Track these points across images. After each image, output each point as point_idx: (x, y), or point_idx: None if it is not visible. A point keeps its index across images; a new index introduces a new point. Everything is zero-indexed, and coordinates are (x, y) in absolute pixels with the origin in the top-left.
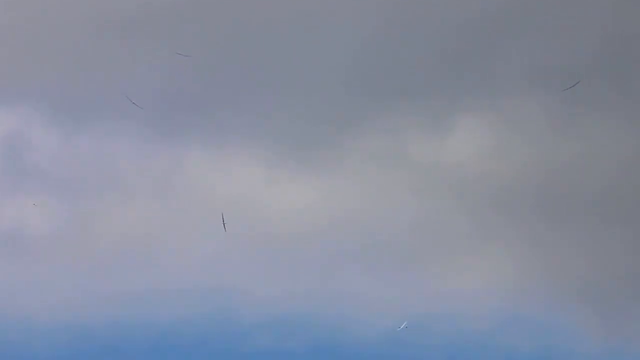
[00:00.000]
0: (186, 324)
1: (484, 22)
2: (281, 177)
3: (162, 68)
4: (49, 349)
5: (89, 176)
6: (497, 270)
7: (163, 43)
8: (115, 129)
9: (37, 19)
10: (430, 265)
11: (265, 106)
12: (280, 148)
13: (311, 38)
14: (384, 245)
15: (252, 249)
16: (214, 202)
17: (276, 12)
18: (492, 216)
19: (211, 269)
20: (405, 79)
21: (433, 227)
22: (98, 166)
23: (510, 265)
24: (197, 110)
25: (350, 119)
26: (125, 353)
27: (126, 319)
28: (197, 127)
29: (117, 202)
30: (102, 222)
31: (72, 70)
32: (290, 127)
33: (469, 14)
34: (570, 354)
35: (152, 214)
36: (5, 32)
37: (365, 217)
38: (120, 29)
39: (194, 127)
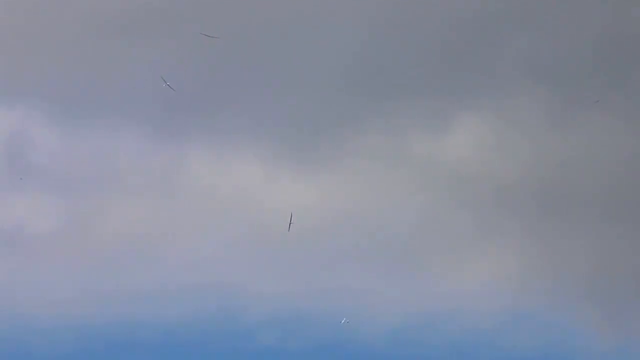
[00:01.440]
0: (189, 322)
1: (484, 22)
2: (283, 176)
3: (163, 68)
4: (52, 347)
5: (90, 175)
6: (500, 268)
7: (163, 43)
8: (116, 128)
9: (36, 19)
10: (433, 263)
11: (266, 106)
12: (282, 147)
13: (311, 38)
14: (387, 243)
15: (254, 247)
16: (216, 200)
17: (276, 13)
18: (495, 214)
19: (214, 267)
20: (406, 79)
21: (435, 225)
22: (99, 165)
23: (513, 263)
24: (198, 110)
25: (351, 118)
26: (128, 351)
27: (128, 317)
28: (197, 126)
29: (118, 200)
30: (103, 221)
31: (73, 70)
32: (291, 127)
33: (469, 14)
34: (573, 351)
35: (153, 212)
36: (5, 32)
37: (368, 215)
38: (120, 29)
39: (194, 126)
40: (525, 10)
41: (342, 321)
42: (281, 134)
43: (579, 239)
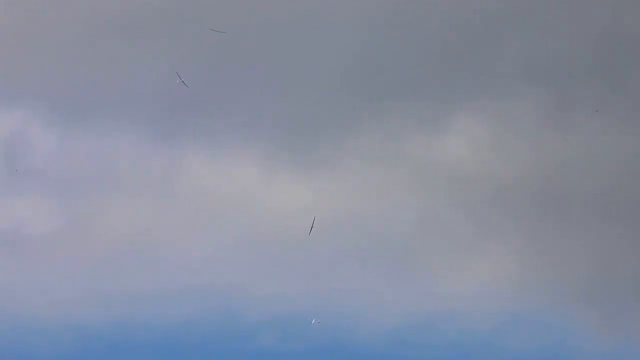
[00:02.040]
0: (189, 323)
1: (481, 24)
2: (282, 176)
3: (161, 69)
4: (52, 347)
5: (90, 175)
6: (499, 268)
7: (163, 43)
8: (115, 128)
9: (37, 19)
10: (433, 263)
11: (265, 106)
12: (281, 147)
13: (310, 38)
14: (386, 243)
15: (254, 248)
16: (215, 201)
17: (274, 14)
18: (494, 215)
19: (214, 268)
20: (405, 79)
21: (434, 226)
22: (97, 166)
23: (513, 264)
24: (197, 110)
25: (350, 119)
26: (128, 351)
27: (128, 317)
28: (196, 126)
29: (118, 200)
30: (103, 221)
31: (73, 70)
32: (290, 127)
33: (469, 14)
34: (573, 352)
35: (153, 212)
36: (5, 32)
37: (367, 215)
38: (120, 29)
39: (193, 126)
40: (525, 11)
41: (313, 322)
42: (280, 135)
43: (578, 240)
